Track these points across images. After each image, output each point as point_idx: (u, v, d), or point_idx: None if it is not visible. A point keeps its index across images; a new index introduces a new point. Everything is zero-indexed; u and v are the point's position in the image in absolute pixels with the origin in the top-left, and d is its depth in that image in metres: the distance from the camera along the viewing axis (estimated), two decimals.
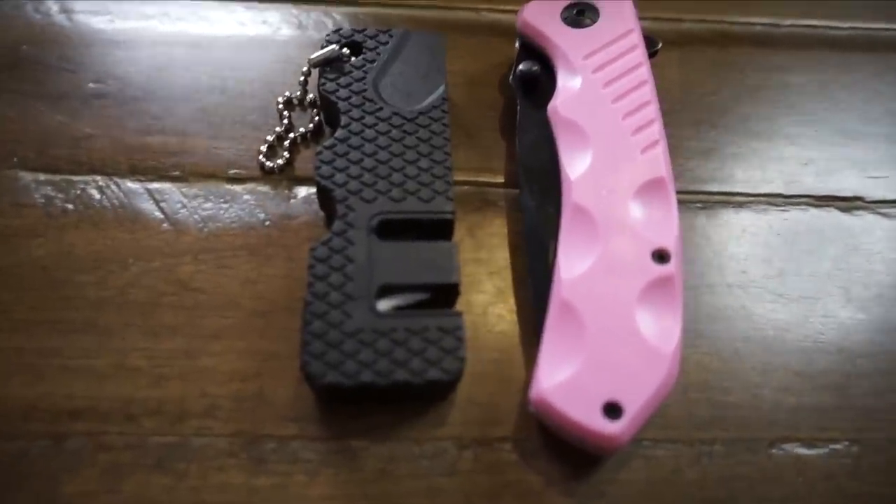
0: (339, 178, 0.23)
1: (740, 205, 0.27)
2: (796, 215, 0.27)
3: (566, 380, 0.20)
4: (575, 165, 0.23)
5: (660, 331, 0.20)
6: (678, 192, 0.26)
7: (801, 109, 0.30)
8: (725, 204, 0.27)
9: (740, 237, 0.26)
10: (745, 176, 0.28)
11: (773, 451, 0.22)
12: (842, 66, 0.31)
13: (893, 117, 0.30)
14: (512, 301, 0.24)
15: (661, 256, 0.21)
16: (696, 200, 0.27)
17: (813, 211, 0.27)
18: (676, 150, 0.28)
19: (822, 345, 0.24)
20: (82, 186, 0.25)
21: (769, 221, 0.27)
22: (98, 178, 0.26)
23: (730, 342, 0.24)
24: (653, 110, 0.24)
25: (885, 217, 0.27)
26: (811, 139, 0.29)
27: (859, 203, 0.28)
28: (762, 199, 0.27)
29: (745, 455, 0.22)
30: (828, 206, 0.27)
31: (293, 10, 0.31)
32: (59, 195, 0.25)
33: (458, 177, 0.27)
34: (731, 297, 0.25)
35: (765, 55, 0.32)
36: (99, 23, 0.30)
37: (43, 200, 0.25)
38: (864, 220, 0.27)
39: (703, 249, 0.26)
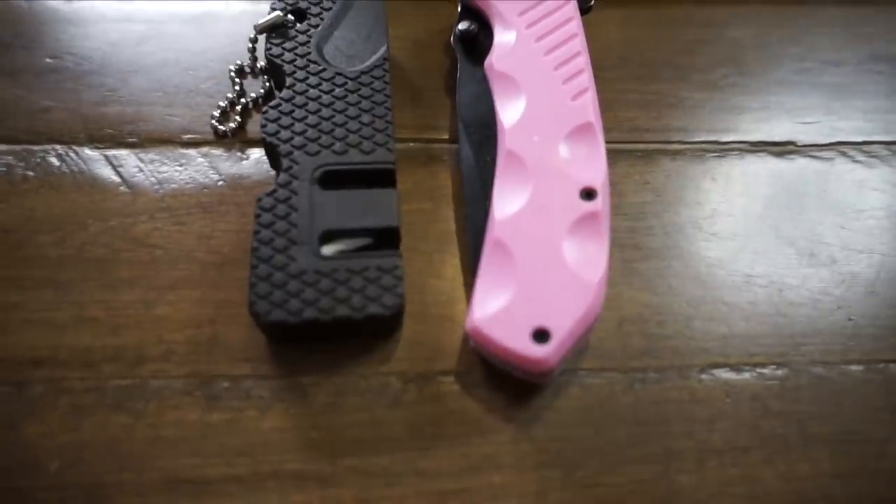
0: (284, 134, 0.24)
1: (677, 152, 0.28)
2: (731, 161, 0.28)
3: (498, 310, 0.21)
4: (509, 115, 0.24)
5: (586, 262, 0.21)
6: (616, 142, 0.28)
7: (738, 62, 0.31)
8: (662, 152, 0.28)
9: (675, 181, 0.27)
10: (682, 125, 0.29)
11: (703, 376, 0.23)
12: (777, 20, 0.33)
13: (825, 67, 0.31)
14: (455, 247, 0.25)
15: (588, 194, 0.22)
16: (634, 149, 0.28)
17: (747, 156, 0.28)
18: (617, 103, 0.29)
19: (753, 278, 0.25)
20: (42, 155, 0.26)
21: (705, 167, 0.28)
22: (57, 146, 0.27)
23: (664, 279, 0.25)
24: (582, 61, 0.25)
25: (815, 159, 0.28)
26: (746, 89, 0.30)
27: (791, 147, 0.29)
28: (697, 146, 0.28)
29: (677, 381, 0.23)
30: (762, 151, 0.29)
31: None
32: (20, 164, 0.26)
33: (404, 134, 0.28)
34: (665, 236, 0.26)
35: (704, 12, 0.33)
36: (54, 3, 0.31)
37: (4, 169, 0.26)
38: (795, 164, 0.28)
39: (639, 194, 0.27)
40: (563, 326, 0.20)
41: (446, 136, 0.28)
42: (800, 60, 0.31)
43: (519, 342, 0.20)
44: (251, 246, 0.22)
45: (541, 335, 0.20)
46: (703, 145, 0.28)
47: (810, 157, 0.29)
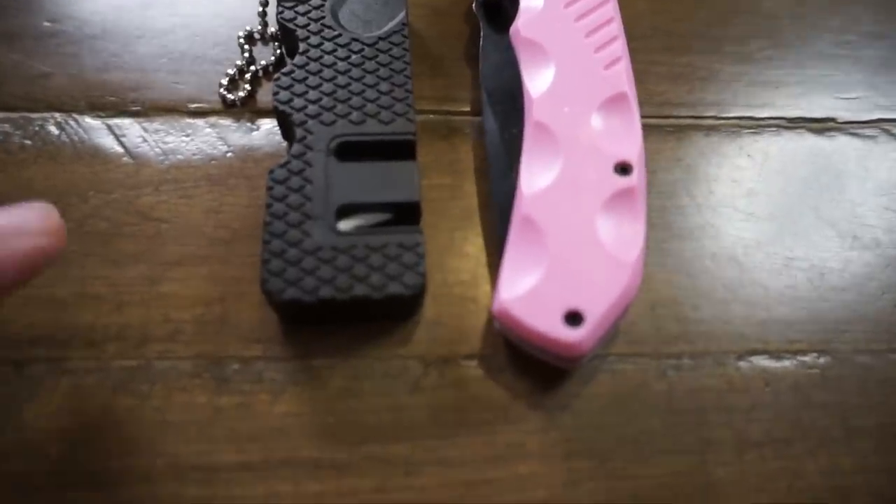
0: (298, 102, 0.23)
1: (711, 128, 0.27)
2: (768, 137, 0.27)
3: (527, 291, 0.19)
4: (537, 84, 0.23)
5: (621, 241, 0.20)
6: (648, 117, 0.26)
7: (773, 33, 0.29)
8: (696, 127, 0.27)
9: (710, 159, 0.26)
10: (716, 99, 0.27)
11: (741, 363, 0.22)
12: None
13: (866, 40, 0.29)
14: (478, 224, 0.24)
15: (623, 169, 0.21)
16: (665, 125, 0.27)
17: (785, 133, 0.27)
18: (647, 75, 0.28)
19: (792, 260, 0.24)
20: (40, 123, 0.25)
21: (740, 144, 0.26)
22: (56, 114, 0.25)
23: (698, 260, 0.23)
24: (615, 27, 0.24)
25: (856, 137, 0.27)
26: (783, 62, 0.29)
27: (831, 124, 0.27)
28: (732, 121, 0.27)
29: (713, 368, 0.22)
30: (799, 127, 0.27)
31: None
32: (17, 132, 0.25)
33: (424, 106, 0.26)
34: (700, 216, 0.24)
35: None
36: None
37: (0, 138, 0.24)
38: (835, 142, 0.27)
39: (672, 171, 0.25)
40: (597, 309, 0.19)
41: (468, 108, 0.26)
42: (840, 33, 0.30)
43: (549, 325, 0.19)
44: (263, 220, 0.20)
45: (573, 318, 0.19)
46: (739, 121, 0.27)
47: (851, 134, 0.27)
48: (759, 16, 0.30)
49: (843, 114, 0.27)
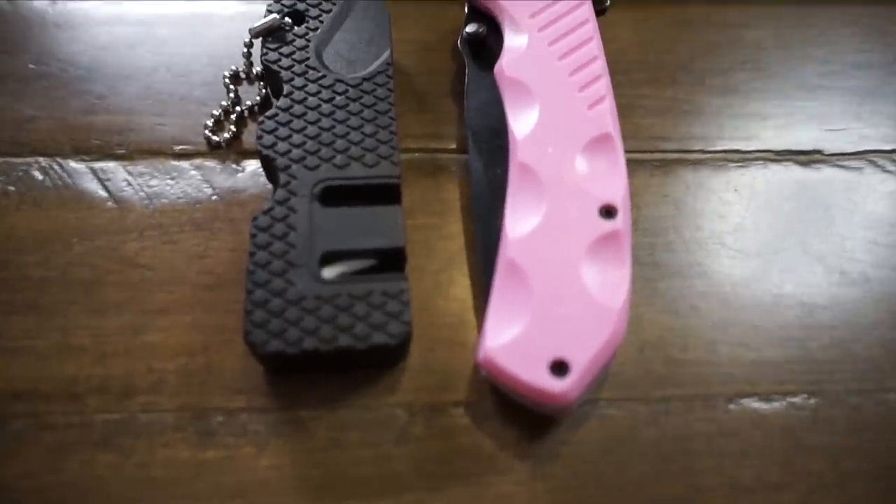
0: (282, 146, 0.22)
1: (698, 162, 0.27)
2: (754, 171, 0.27)
3: (513, 339, 0.19)
4: (521, 124, 0.23)
5: (607, 286, 0.20)
6: (633, 151, 0.26)
7: (759, 65, 0.29)
8: (682, 162, 0.27)
9: (696, 194, 0.26)
10: (703, 133, 0.27)
11: (731, 406, 0.21)
12: (799, 20, 0.31)
13: (852, 70, 0.29)
14: (465, 265, 0.23)
15: (608, 212, 0.21)
16: (652, 159, 0.27)
17: (771, 166, 0.27)
18: (632, 109, 0.28)
19: (781, 298, 0.24)
20: (24, 168, 0.25)
21: (727, 178, 0.26)
22: (41, 159, 0.25)
23: (686, 299, 0.23)
24: (599, 67, 0.24)
25: (843, 169, 0.27)
26: (769, 94, 0.29)
27: (818, 156, 0.27)
28: (719, 155, 0.27)
29: (703, 412, 0.21)
30: (787, 160, 0.27)
31: None
32: (1, 178, 0.24)
33: (409, 143, 0.26)
34: (688, 253, 0.24)
35: (721, 11, 0.31)
36: (40, 5, 0.29)
37: None
38: (822, 174, 0.27)
39: (658, 207, 0.25)
40: (583, 358, 0.19)
41: (454, 146, 0.26)
42: (824, 63, 0.30)
43: (536, 375, 0.19)
44: (247, 269, 0.20)
45: (559, 367, 0.19)
46: (726, 154, 0.27)
47: (838, 166, 0.27)
48: (744, 47, 0.30)
49: (829, 145, 0.27)
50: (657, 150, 0.27)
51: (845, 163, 0.27)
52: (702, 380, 0.22)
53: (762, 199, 0.26)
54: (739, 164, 0.27)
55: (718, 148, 0.27)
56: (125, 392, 0.20)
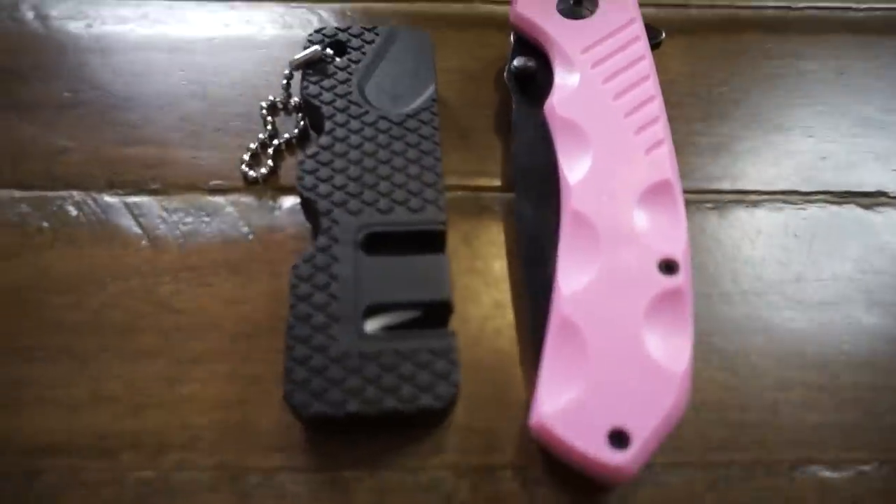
0: (323, 188, 0.22)
1: (754, 203, 0.25)
2: (815, 213, 0.25)
3: (568, 405, 0.18)
4: (574, 168, 0.22)
5: (669, 350, 0.19)
6: (687, 192, 0.25)
7: (818, 98, 0.28)
8: (738, 203, 0.25)
9: (755, 239, 0.24)
10: (759, 172, 0.26)
11: (795, 473, 0.20)
12: (860, 51, 0.29)
13: None
14: (511, 315, 0.22)
15: (668, 267, 0.20)
16: (706, 200, 0.25)
17: (832, 208, 0.25)
18: (684, 146, 0.26)
19: (846, 356, 0.22)
20: (59, 203, 0.24)
21: (785, 221, 0.25)
22: (75, 193, 0.24)
23: (745, 356, 0.22)
24: (656, 107, 0.22)
25: None
26: (829, 130, 0.27)
27: (883, 199, 0.26)
28: (778, 196, 0.26)
29: (765, 479, 0.20)
30: (848, 202, 0.26)
31: (277, 8, 0.30)
32: (36, 213, 0.24)
33: (452, 181, 0.25)
34: (746, 305, 0.23)
35: (777, 41, 0.30)
36: (75, 28, 0.29)
37: (17, 219, 0.24)
38: (887, 217, 0.25)
39: (714, 254, 0.24)
40: (644, 428, 0.18)
41: (499, 184, 0.25)
42: (888, 97, 0.28)
43: (593, 445, 0.17)
44: (287, 323, 0.19)
45: (619, 438, 0.18)
46: (784, 195, 0.26)
47: None
48: (801, 79, 0.29)
49: (894, 186, 0.26)
50: (711, 190, 0.26)
51: None
52: (763, 444, 0.21)
53: (823, 246, 0.24)
54: (798, 206, 0.25)
55: (776, 188, 0.26)
56: (159, 448, 0.20)
